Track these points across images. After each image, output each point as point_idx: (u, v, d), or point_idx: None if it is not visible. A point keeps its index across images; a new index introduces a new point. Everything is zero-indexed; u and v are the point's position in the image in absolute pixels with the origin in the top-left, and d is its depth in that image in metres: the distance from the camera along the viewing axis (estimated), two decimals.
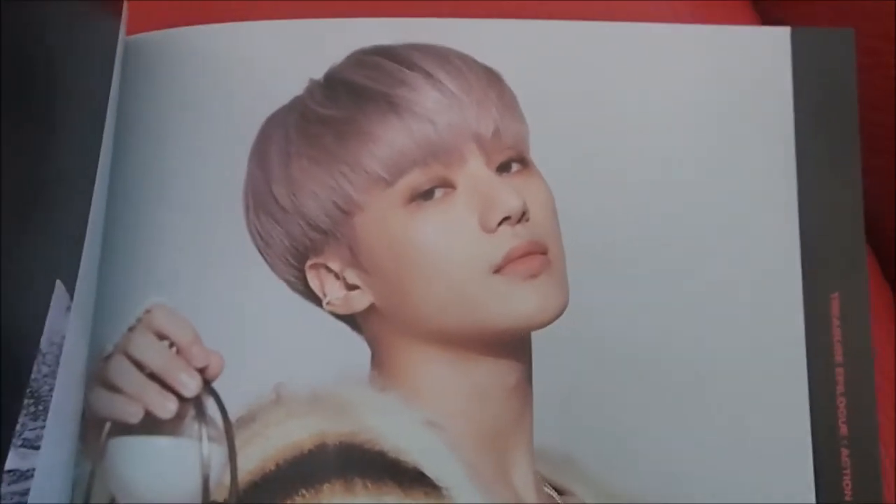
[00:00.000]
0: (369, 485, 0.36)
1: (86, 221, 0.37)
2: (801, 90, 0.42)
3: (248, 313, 0.39)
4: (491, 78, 0.40)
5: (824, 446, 0.39)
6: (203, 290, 0.39)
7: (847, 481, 0.39)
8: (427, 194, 0.38)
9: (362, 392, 0.38)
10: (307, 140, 0.39)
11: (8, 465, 0.31)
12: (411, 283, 0.38)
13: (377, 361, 0.39)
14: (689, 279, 0.41)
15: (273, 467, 0.36)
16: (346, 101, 0.39)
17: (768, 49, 0.43)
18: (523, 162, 0.39)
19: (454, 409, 0.38)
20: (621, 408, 0.40)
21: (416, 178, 0.38)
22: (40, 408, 0.33)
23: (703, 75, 0.43)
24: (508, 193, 0.38)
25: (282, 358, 0.39)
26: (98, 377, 0.37)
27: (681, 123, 0.42)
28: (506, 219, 0.38)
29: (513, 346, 0.39)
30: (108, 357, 0.37)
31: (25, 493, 0.32)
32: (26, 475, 0.32)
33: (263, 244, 0.40)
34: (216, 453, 0.36)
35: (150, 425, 0.36)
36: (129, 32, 0.42)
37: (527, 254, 0.38)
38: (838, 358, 0.40)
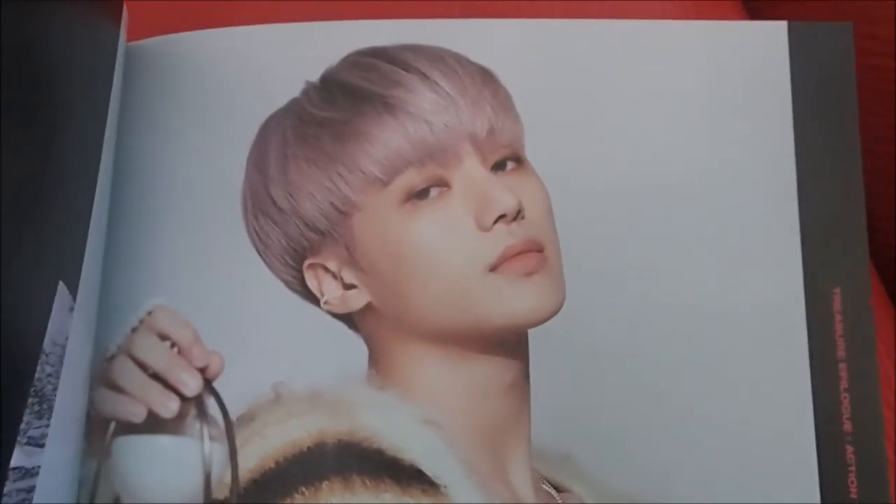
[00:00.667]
0: (368, 482, 0.36)
1: (88, 224, 0.37)
2: (799, 84, 0.42)
3: (247, 313, 0.39)
4: (485, 77, 0.40)
5: (828, 444, 0.39)
6: (203, 292, 0.40)
7: (852, 479, 0.39)
8: (423, 194, 0.38)
9: (360, 390, 0.39)
10: (304, 142, 0.40)
11: (13, 462, 0.31)
12: (408, 282, 0.38)
13: (375, 360, 0.39)
14: (689, 276, 0.40)
15: (273, 465, 0.36)
16: (343, 102, 0.40)
17: (765, 44, 0.42)
18: (518, 160, 0.39)
19: (451, 406, 0.38)
20: (620, 406, 0.39)
21: (411, 178, 0.38)
22: (44, 407, 0.33)
23: (701, 72, 0.42)
24: (503, 192, 0.38)
25: (280, 357, 0.39)
26: (102, 378, 0.38)
27: (678, 120, 0.42)
28: (501, 217, 0.38)
29: (510, 343, 0.39)
30: (112, 358, 0.38)
31: (31, 490, 0.33)
32: (31, 472, 0.33)
33: (262, 245, 0.40)
34: (217, 452, 0.36)
35: (153, 425, 0.36)
36: (129, 39, 0.43)
37: (522, 252, 0.38)
38: (841, 353, 0.40)
